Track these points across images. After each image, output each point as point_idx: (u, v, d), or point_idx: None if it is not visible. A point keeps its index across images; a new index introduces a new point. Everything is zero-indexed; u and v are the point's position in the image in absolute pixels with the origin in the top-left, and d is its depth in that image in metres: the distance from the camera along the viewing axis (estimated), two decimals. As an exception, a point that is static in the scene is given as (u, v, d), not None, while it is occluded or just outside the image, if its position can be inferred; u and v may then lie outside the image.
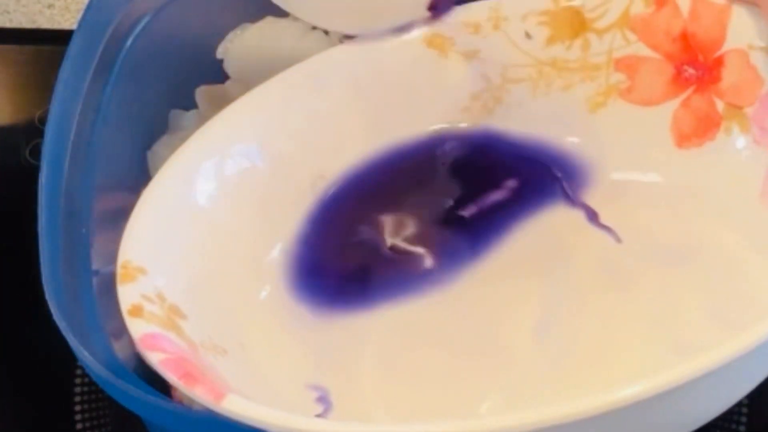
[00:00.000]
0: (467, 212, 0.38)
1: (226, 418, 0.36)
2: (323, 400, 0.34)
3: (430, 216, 0.38)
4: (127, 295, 0.32)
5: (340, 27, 0.38)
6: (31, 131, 0.50)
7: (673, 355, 0.33)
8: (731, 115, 0.36)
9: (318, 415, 0.34)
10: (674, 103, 0.37)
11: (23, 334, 0.46)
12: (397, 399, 0.35)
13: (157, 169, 0.38)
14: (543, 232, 0.38)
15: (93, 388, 0.45)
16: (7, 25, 0.59)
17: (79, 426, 0.44)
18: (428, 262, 0.38)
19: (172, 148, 0.38)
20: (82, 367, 0.44)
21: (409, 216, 0.38)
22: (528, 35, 0.38)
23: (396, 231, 0.38)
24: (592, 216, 0.38)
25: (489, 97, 0.39)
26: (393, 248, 0.38)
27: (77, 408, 0.45)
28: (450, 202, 0.39)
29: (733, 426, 0.44)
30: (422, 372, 0.36)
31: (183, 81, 0.44)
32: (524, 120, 0.39)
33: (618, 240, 0.37)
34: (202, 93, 0.45)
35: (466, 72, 0.39)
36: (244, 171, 0.37)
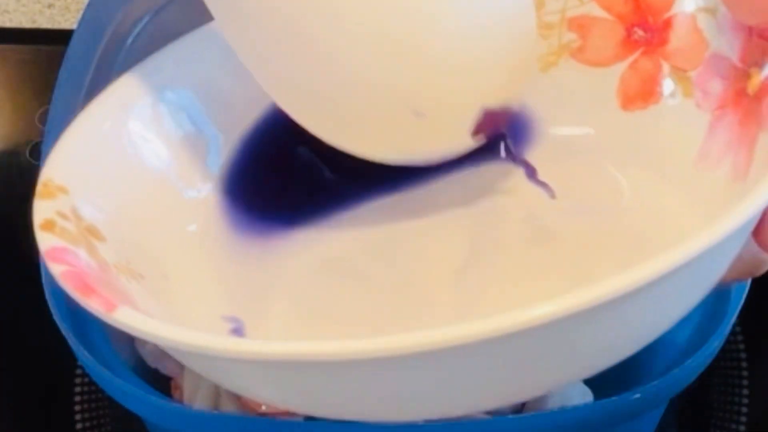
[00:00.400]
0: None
1: (224, 416, 0.36)
2: (237, 331, 0.34)
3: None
4: (41, 210, 0.32)
5: (378, 156, 0.36)
6: (31, 131, 0.50)
7: None
8: (676, 78, 0.36)
9: None
10: (623, 65, 0.37)
11: (23, 334, 0.46)
12: (309, 333, 0.35)
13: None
14: (480, 185, 0.38)
15: (93, 388, 0.45)
16: (7, 24, 0.60)
17: (79, 426, 0.44)
18: (359, 195, 0.38)
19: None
20: (82, 367, 0.44)
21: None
22: None
23: (331, 161, 0.38)
24: (531, 172, 0.38)
25: None
26: (326, 179, 0.38)
27: (77, 408, 0.45)
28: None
29: (733, 426, 0.44)
30: (337, 308, 0.35)
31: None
32: None
33: (552, 196, 0.37)
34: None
35: None
36: (180, 109, 0.37)
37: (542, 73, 0.38)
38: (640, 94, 0.37)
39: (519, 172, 0.38)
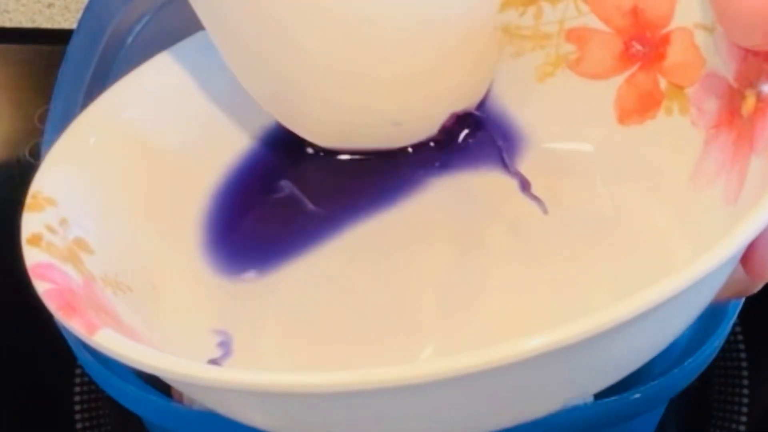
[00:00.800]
0: (398, 165, 0.38)
1: (224, 417, 0.36)
2: (224, 345, 0.34)
3: (359, 168, 0.38)
4: (29, 223, 0.32)
5: (344, 146, 0.38)
6: (31, 131, 0.50)
7: None
8: (672, 95, 0.36)
9: (213, 360, 0.33)
10: (620, 79, 0.37)
11: (23, 334, 0.46)
12: (296, 354, 0.35)
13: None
14: (473, 197, 0.38)
15: (93, 388, 0.45)
16: (7, 24, 0.60)
17: (78, 426, 0.44)
18: (349, 213, 0.38)
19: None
20: (82, 367, 0.44)
21: (335, 168, 0.38)
22: None
23: (321, 183, 0.38)
24: (525, 185, 0.38)
25: None
26: (316, 200, 0.38)
27: (77, 408, 0.45)
28: (384, 152, 0.39)
29: (733, 426, 0.44)
30: (326, 323, 0.35)
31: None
32: None
33: (545, 211, 0.37)
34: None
35: None
36: (169, 123, 0.37)
37: (539, 83, 0.38)
38: (637, 108, 0.37)
39: (512, 186, 0.38)
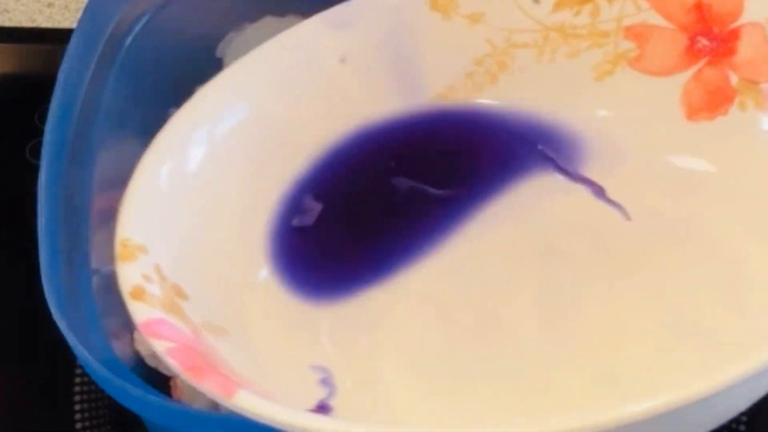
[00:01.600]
0: (458, 187, 0.38)
1: (224, 417, 0.36)
2: (326, 382, 0.34)
3: (425, 188, 0.38)
4: (128, 275, 0.31)
5: None
6: (31, 130, 0.50)
7: (678, 340, 0.33)
8: (746, 90, 0.35)
9: (323, 399, 0.33)
10: (685, 75, 0.36)
11: (23, 334, 0.46)
12: (400, 381, 0.34)
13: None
14: (544, 208, 0.37)
15: (93, 388, 0.45)
16: (7, 23, 0.59)
17: (78, 426, 0.44)
18: (427, 233, 0.37)
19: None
20: (82, 367, 0.44)
21: (408, 187, 0.38)
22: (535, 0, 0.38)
23: (396, 201, 0.38)
24: (599, 191, 0.37)
25: (492, 62, 0.38)
26: (395, 217, 0.37)
27: (77, 408, 0.45)
28: (441, 177, 0.38)
29: (733, 426, 0.44)
30: (424, 351, 0.35)
31: (182, 80, 0.44)
32: (528, 87, 0.38)
33: (627, 217, 0.37)
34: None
35: (470, 36, 0.38)
36: (237, 141, 0.36)
37: (597, 81, 0.37)
38: (706, 104, 0.36)
39: (583, 193, 0.37)
